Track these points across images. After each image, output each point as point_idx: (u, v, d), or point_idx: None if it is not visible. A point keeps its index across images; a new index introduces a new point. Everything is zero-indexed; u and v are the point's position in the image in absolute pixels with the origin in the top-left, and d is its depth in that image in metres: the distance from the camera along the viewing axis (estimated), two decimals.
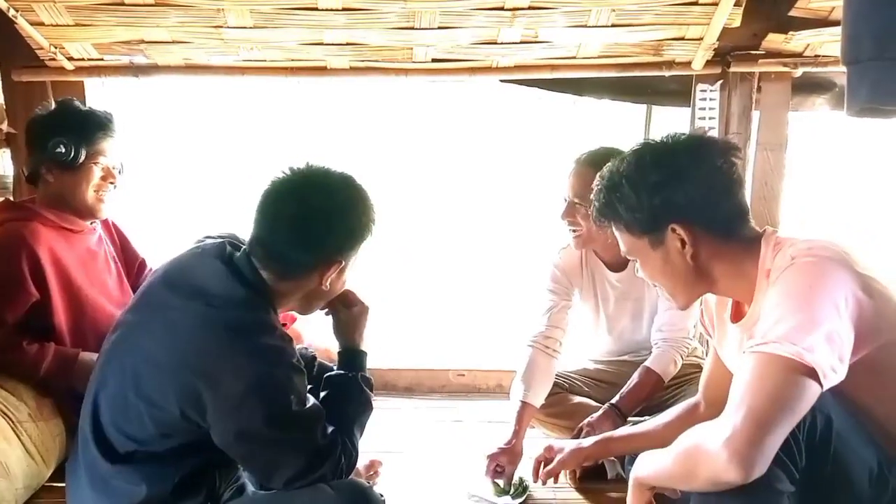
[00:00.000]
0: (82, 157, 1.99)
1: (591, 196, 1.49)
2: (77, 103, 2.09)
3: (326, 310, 1.68)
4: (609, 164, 1.47)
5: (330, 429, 1.50)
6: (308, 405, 1.46)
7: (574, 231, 2.12)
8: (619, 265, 2.23)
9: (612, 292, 2.26)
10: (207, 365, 1.37)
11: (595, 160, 2.04)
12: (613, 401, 2.12)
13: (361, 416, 1.61)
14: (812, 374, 1.15)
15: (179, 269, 1.53)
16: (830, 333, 1.17)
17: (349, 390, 1.61)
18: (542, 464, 1.94)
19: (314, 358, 1.85)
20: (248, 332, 1.40)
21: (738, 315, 1.48)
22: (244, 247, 1.54)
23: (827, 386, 1.17)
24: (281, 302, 1.54)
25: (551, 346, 2.19)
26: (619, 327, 2.28)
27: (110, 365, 1.50)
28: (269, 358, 1.40)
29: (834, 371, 1.17)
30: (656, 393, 2.16)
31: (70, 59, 2.54)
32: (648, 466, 1.40)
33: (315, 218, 1.47)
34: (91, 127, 2.03)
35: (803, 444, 1.21)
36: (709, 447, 1.17)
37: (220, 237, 1.60)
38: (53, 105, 2.13)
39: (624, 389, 2.15)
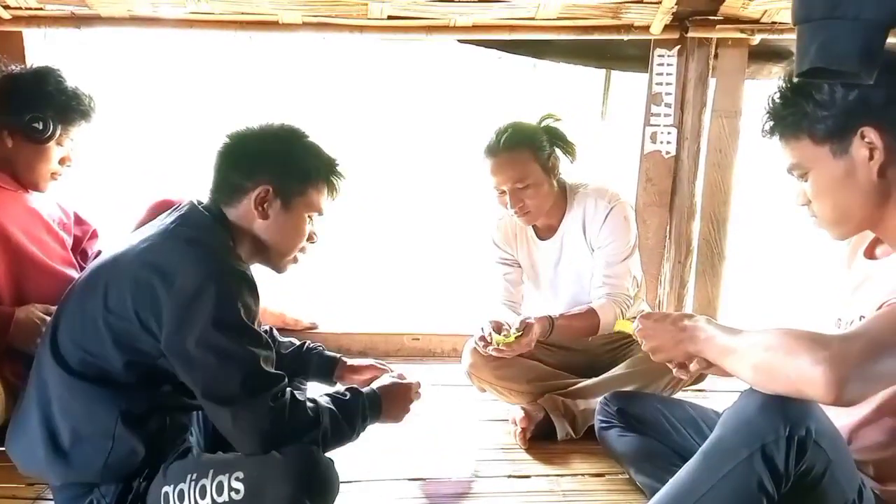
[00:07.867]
0: (54, 139, 1.99)
1: (768, 100, 1.29)
2: (63, 78, 2.01)
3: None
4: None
5: (288, 392, 1.44)
6: (259, 331, 1.46)
7: (522, 211, 2.10)
8: (548, 230, 2.24)
9: (547, 258, 2.27)
10: (161, 261, 1.42)
11: (513, 142, 2.05)
12: (554, 315, 2.09)
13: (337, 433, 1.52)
14: None
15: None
16: None
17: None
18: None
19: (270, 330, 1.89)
20: (206, 243, 1.47)
21: (871, 251, 1.39)
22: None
23: None
24: (240, 243, 1.57)
25: (515, 310, 2.29)
26: (566, 291, 2.27)
27: (74, 292, 1.54)
28: (222, 263, 1.46)
29: None
30: (587, 335, 2.15)
31: (6, 7, 2.41)
32: (722, 340, 1.24)
33: (247, 140, 1.59)
34: (75, 112, 2.01)
35: (793, 476, 1.16)
36: (812, 346, 1.07)
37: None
38: (38, 71, 2.02)
39: (566, 311, 2.14)
